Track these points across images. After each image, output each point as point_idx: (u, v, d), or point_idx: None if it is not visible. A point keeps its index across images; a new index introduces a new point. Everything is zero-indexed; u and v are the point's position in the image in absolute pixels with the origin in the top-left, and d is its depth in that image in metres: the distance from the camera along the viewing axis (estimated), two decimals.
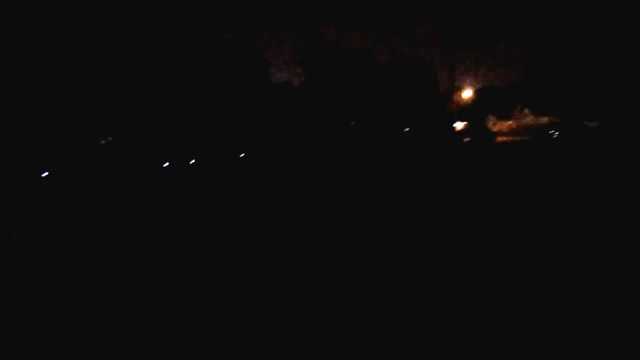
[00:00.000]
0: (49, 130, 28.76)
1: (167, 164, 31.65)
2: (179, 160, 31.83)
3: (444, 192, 12.78)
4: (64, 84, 29.09)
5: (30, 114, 28.42)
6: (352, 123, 40.45)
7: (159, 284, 5.90)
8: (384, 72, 39.40)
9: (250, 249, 7.37)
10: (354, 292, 5.10)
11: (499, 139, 42.29)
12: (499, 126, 44.81)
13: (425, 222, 8.70)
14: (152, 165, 30.22)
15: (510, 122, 45.42)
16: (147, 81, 31.80)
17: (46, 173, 27.84)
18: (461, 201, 10.90)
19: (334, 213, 10.31)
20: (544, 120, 43.69)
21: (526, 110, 44.36)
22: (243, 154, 35.35)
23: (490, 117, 45.35)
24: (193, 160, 33.24)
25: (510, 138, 42.90)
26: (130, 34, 31.26)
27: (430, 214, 9.55)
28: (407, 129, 41.44)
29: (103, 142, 31.05)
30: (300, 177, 21.25)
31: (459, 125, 44.84)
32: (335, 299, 4.97)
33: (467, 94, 44.98)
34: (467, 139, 42.97)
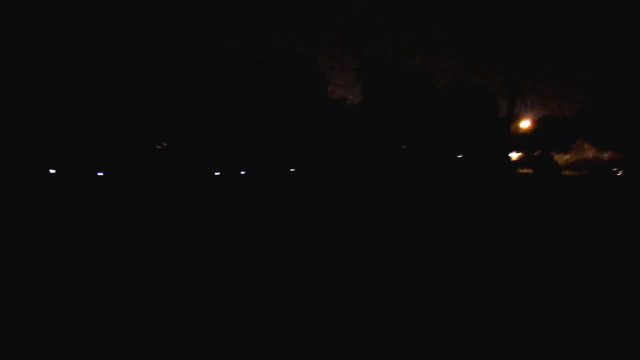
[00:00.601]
0: (106, 133, 29.48)
1: (218, 173, 31.91)
2: (231, 170, 32.02)
3: (495, 223, 12.21)
4: (124, 87, 29.92)
5: (89, 115, 29.25)
6: (404, 146, 39.89)
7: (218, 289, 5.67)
8: (442, 96, 38.76)
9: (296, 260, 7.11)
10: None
11: (557, 172, 40.82)
12: (557, 159, 43.26)
13: (474, 254, 8.20)
14: (205, 173, 30.48)
15: (569, 155, 43.87)
16: (204, 89, 32.35)
17: (101, 173, 28.46)
18: (514, 235, 10.35)
19: (376, 234, 9.95)
20: (606, 155, 41.96)
21: (587, 144, 42.74)
22: (293, 169, 35.31)
23: (548, 149, 43.88)
24: (244, 172, 33.39)
25: (569, 172, 41.30)
26: (196, 43, 31.90)
27: (480, 245, 9.05)
28: (461, 156, 40.54)
29: (159, 147, 31.61)
30: (347, 194, 20.98)
31: (514, 155, 43.59)
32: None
33: (525, 123, 43.76)
34: (522, 170, 41.69)
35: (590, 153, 42.73)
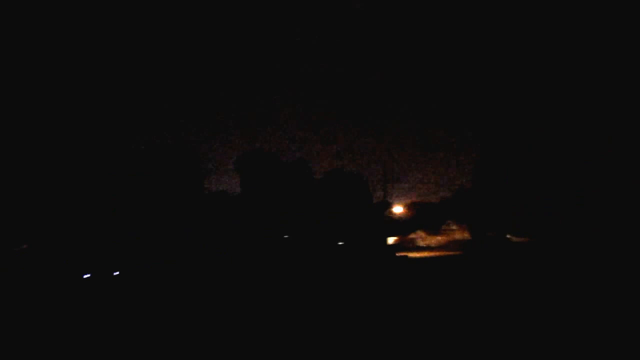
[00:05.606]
0: None
1: (88, 275, 29.37)
2: (102, 271, 29.62)
3: (377, 305, 12.90)
4: None
5: None
6: (286, 235, 40.09)
7: None
8: (320, 185, 40.17)
9: None
10: None
11: (429, 253, 43.06)
12: (429, 241, 45.70)
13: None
14: (72, 276, 27.84)
15: (439, 237, 46.58)
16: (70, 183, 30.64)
17: None
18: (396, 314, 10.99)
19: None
20: (468, 235, 45.26)
21: (454, 226, 45.86)
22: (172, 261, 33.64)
23: (420, 232, 46.38)
24: (117, 272, 31.04)
25: (440, 253, 43.80)
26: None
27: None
28: (341, 243, 41.43)
29: (18, 249, 28.77)
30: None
31: (390, 240, 45.41)
32: None
33: (397, 209, 46.27)
34: (399, 254, 43.44)
35: (458, 234, 45.81)
